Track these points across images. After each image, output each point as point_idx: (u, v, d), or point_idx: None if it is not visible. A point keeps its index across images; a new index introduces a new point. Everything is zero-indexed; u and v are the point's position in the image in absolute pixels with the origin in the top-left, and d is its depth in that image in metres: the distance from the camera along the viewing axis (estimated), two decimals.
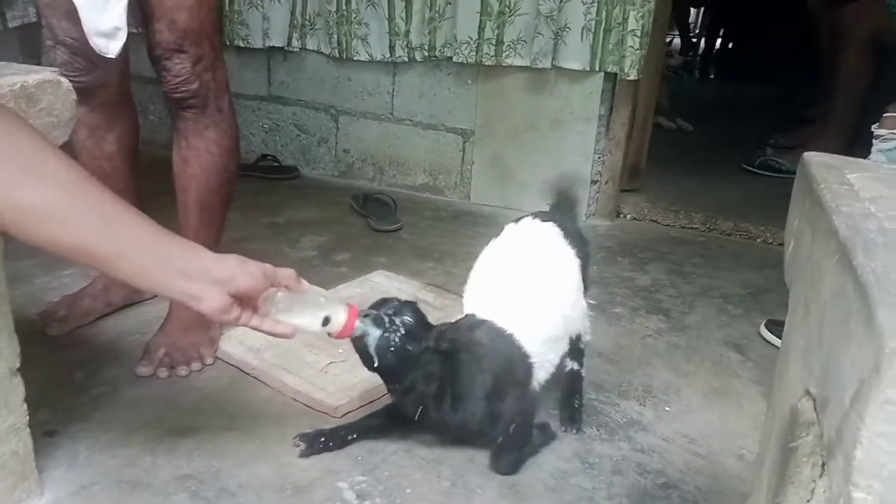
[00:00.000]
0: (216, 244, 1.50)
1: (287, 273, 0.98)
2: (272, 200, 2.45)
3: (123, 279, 0.87)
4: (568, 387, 1.34)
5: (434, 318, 1.65)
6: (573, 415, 1.31)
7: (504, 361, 1.17)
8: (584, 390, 1.38)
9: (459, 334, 1.15)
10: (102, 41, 1.27)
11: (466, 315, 1.23)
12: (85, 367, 1.41)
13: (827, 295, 0.50)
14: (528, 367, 1.19)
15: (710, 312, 1.83)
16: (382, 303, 1.12)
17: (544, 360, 1.22)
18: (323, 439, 1.21)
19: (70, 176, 0.79)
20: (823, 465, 0.53)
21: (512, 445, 1.18)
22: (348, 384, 1.37)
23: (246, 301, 0.96)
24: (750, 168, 2.98)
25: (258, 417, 1.30)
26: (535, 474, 1.19)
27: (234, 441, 1.23)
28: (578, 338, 1.33)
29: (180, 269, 0.85)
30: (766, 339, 1.68)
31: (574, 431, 1.29)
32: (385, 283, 1.84)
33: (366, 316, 1.07)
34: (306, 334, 1.03)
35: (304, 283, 1.02)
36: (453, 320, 1.24)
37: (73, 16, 1.27)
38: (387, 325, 1.08)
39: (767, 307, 1.84)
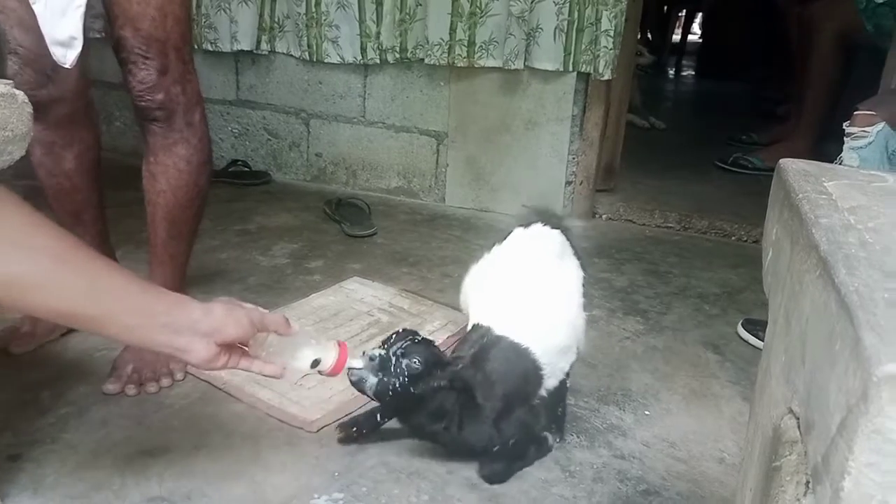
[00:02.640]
0: (187, 256, 1.47)
1: (276, 319, 0.99)
2: (243, 207, 2.41)
3: (112, 338, 0.92)
4: (552, 395, 1.32)
5: (410, 324, 1.64)
6: (556, 423, 1.30)
7: (518, 382, 1.16)
8: None
9: (474, 371, 1.13)
10: (60, 50, 1.23)
11: (478, 327, 1.21)
12: (51, 386, 1.37)
13: (808, 310, 0.48)
14: (538, 380, 1.18)
15: (687, 312, 1.82)
16: (394, 338, 1.09)
17: (555, 368, 1.21)
18: (354, 429, 1.22)
19: (58, 245, 0.82)
20: (808, 483, 0.51)
21: (505, 458, 1.17)
22: (323, 397, 1.34)
23: (233, 345, 0.97)
24: (723, 165, 3.00)
25: (231, 434, 1.26)
26: (516, 485, 1.18)
27: (205, 460, 1.20)
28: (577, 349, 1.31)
29: (166, 323, 0.87)
30: (743, 339, 1.69)
31: (557, 440, 1.28)
32: (360, 291, 1.81)
33: (371, 358, 1.06)
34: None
35: (295, 325, 1.02)
36: (467, 335, 1.23)
37: (26, 24, 1.23)
38: (392, 368, 1.06)
39: (744, 306, 1.85)
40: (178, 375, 1.40)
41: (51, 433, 1.24)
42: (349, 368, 1.04)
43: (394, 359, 1.06)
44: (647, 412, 1.40)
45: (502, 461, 1.17)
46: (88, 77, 1.42)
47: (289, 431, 1.27)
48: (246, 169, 2.70)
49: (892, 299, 0.40)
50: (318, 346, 1.03)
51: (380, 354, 1.06)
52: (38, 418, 1.27)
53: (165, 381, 1.38)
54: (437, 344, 1.14)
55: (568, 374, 1.31)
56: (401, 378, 1.06)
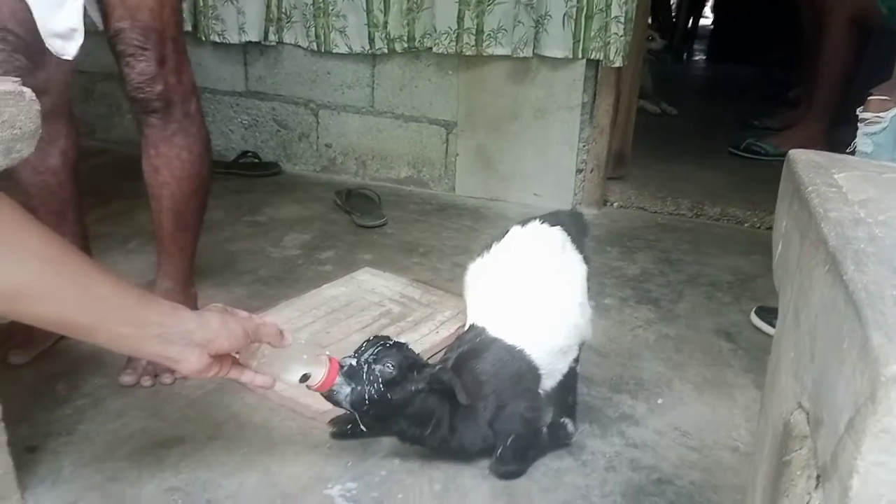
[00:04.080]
0: (195, 248, 1.48)
1: (270, 331, 0.98)
2: (254, 198, 2.42)
3: (103, 346, 0.89)
4: (563, 384, 1.32)
5: (421, 315, 1.65)
6: (568, 412, 1.30)
7: (510, 383, 1.15)
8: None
9: (459, 371, 1.12)
10: (58, 42, 1.22)
11: (473, 327, 1.20)
12: (67, 378, 1.38)
13: (817, 306, 0.48)
14: (536, 380, 1.17)
15: (699, 301, 1.82)
16: (365, 346, 1.07)
17: (554, 369, 1.20)
18: (350, 426, 1.19)
19: (49, 251, 0.79)
20: (818, 477, 0.51)
21: (512, 454, 1.16)
22: None
23: (225, 355, 0.97)
24: (736, 152, 2.97)
25: (244, 425, 1.28)
26: (528, 474, 1.18)
27: (220, 451, 1.21)
28: (582, 342, 1.30)
29: (159, 333, 0.86)
30: (756, 327, 1.68)
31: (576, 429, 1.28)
32: (371, 281, 1.82)
33: (340, 366, 1.04)
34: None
35: (288, 336, 1.01)
36: (459, 336, 1.22)
37: (16, 10, 1.20)
38: (363, 376, 1.04)
39: (757, 293, 1.84)
40: None
41: (67, 425, 1.25)
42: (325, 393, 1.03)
43: (365, 366, 1.04)
44: (659, 401, 1.40)
45: (513, 459, 1.17)
46: (73, 72, 1.40)
47: (302, 422, 1.28)
48: (256, 160, 2.71)
49: None
50: (309, 361, 1.02)
51: (349, 364, 1.04)
52: (55, 410, 1.29)
53: None
54: (410, 347, 1.11)
55: (577, 361, 1.30)
56: (375, 385, 1.03)
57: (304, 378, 1.01)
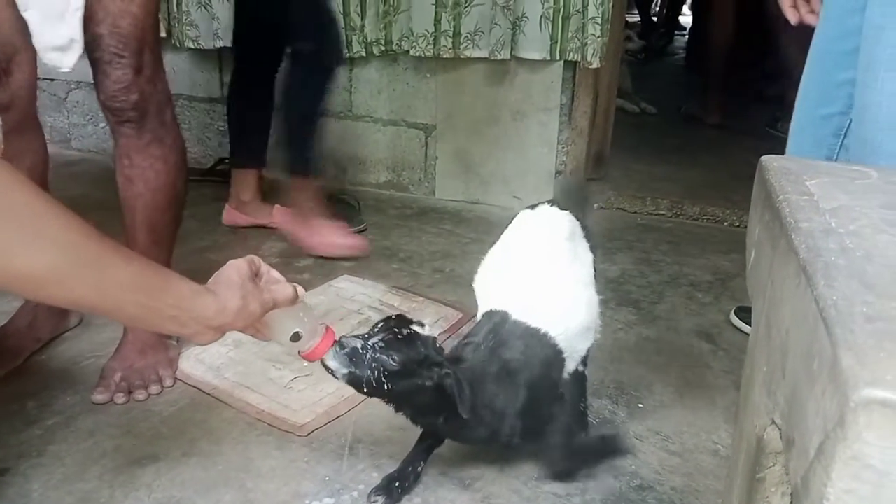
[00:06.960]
0: (167, 264, 1.44)
1: (285, 298, 0.94)
2: None
3: (126, 325, 0.97)
4: (574, 389, 1.25)
5: None
6: (580, 418, 1.27)
7: (541, 369, 1.09)
8: None
9: (486, 358, 1.07)
10: (56, 55, 1.21)
11: (493, 313, 1.13)
12: (37, 396, 1.35)
13: (788, 320, 0.47)
14: (560, 364, 1.12)
15: (679, 301, 1.81)
16: (380, 327, 1.01)
17: (574, 351, 1.15)
18: (397, 484, 1.14)
19: (67, 236, 0.79)
20: (793, 493, 0.50)
21: (560, 442, 1.13)
22: (314, 400, 1.33)
23: None
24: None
25: (220, 441, 1.25)
26: (507, 482, 1.17)
27: (195, 468, 1.19)
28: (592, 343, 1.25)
29: (174, 316, 0.86)
30: (736, 327, 1.67)
31: (584, 436, 1.26)
32: (350, 289, 1.80)
33: (342, 347, 0.98)
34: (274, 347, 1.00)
35: (301, 296, 0.97)
36: (479, 322, 1.14)
37: None
38: (364, 362, 0.98)
39: (736, 293, 1.84)
40: (168, 382, 1.39)
41: (38, 445, 1.22)
42: (322, 360, 0.98)
43: (369, 352, 0.98)
44: (640, 405, 1.39)
45: (564, 450, 1.13)
46: (36, 85, 1.36)
47: (279, 436, 1.26)
48: None
49: (870, 314, 0.38)
50: (307, 323, 0.97)
51: (352, 346, 0.98)
52: (25, 430, 1.26)
53: (154, 389, 1.37)
54: (433, 336, 1.04)
55: (586, 364, 1.26)
56: (375, 374, 0.98)
57: (296, 337, 0.96)
